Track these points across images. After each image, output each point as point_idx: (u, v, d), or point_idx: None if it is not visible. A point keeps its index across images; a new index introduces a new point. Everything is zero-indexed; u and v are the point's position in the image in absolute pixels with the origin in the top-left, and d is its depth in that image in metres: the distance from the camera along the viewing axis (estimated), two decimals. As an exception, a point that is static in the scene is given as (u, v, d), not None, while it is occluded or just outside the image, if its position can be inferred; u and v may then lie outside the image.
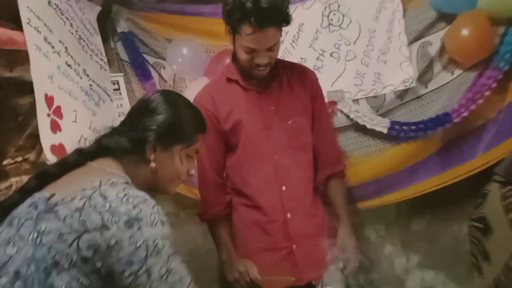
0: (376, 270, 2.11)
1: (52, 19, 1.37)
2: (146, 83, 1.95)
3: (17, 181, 2.05)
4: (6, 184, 1.97)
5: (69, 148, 1.32)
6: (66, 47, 1.43)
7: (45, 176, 0.89)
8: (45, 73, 1.30)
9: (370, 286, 2.11)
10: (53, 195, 0.82)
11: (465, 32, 1.68)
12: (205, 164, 1.49)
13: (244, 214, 1.50)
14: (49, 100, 1.30)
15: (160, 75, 1.98)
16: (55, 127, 1.31)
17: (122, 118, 1.83)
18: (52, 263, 0.75)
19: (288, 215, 1.45)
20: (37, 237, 0.77)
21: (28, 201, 0.84)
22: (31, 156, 2.12)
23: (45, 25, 1.32)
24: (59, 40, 1.40)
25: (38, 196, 0.84)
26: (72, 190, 0.81)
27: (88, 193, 0.79)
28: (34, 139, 2.07)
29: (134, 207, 0.79)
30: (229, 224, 1.55)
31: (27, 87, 1.74)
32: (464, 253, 2.01)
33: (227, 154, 1.53)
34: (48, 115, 1.29)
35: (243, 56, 1.37)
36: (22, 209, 0.83)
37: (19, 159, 2.06)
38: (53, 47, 1.35)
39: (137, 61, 1.94)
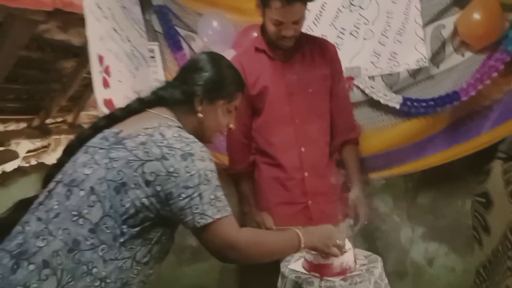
0: (382, 239, 2.26)
1: (102, -12, 1.54)
2: (177, 53, 2.10)
3: (55, 139, 2.25)
4: (47, 141, 2.17)
5: (116, 103, 1.51)
6: (113, 14, 1.60)
7: (112, 117, 1.07)
8: (97, 35, 1.46)
9: (376, 254, 2.25)
10: (121, 131, 0.99)
11: (477, 16, 1.80)
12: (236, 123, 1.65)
13: (266, 172, 1.67)
14: (100, 59, 1.47)
15: (190, 47, 2.13)
16: (105, 84, 1.48)
17: (156, 84, 2.01)
18: (121, 184, 0.92)
19: (306, 174, 1.62)
20: (109, 162, 0.94)
21: (99, 135, 1.01)
22: (69, 118, 2.32)
23: (97, -8, 1.49)
24: (108, 7, 1.56)
25: (108, 132, 1.01)
26: (136, 129, 0.98)
27: (149, 131, 0.96)
28: (73, 102, 2.26)
29: (187, 145, 0.95)
30: (251, 181, 1.71)
31: (72, 51, 1.93)
32: (466, 227, 2.14)
33: (253, 118, 1.68)
34: (100, 72, 1.46)
35: (271, 28, 1.52)
36: (96, 141, 1.00)
37: (59, 119, 2.26)
38: (103, 12, 1.51)
39: (169, 33, 2.09)
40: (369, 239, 2.24)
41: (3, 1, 1.13)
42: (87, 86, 2.22)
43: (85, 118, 2.45)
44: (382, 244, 2.26)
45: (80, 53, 1.95)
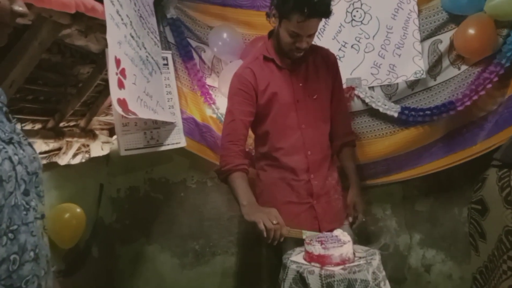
0: (380, 246, 2.31)
1: (122, -3, 1.65)
2: (188, 63, 2.22)
3: (67, 142, 2.34)
4: (59, 143, 2.26)
5: (130, 104, 1.60)
6: (131, 21, 1.70)
7: None
8: (116, 39, 1.56)
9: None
10: None
11: (472, 32, 1.91)
12: (237, 126, 1.65)
13: (272, 173, 1.73)
14: (117, 62, 1.56)
15: (200, 57, 2.25)
16: (120, 85, 1.56)
17: (168, 90, 2.12)
18: None
19: (312, 176, 1.69)
20: None
21: None
22: (82, 123, 2.42)
23: (118, 0, 1.60)
24: (126, 15, 1.67)
25: None
26: None
27: None
28: (87, 107, 2.36)
29: None
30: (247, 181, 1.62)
31: (89, 57, 2.04)
32: (463, 234, 2.20)
33: (254, 126, 1.74)
34: (116, 74, 1.55)
35: (287, 39, 1.59)
36: None
37: (72, 123, 2.35)
38: (122, 19, 1.62)
39: (181, 44, 2.21)
40: (367, 245, 2.29)
41: (30, 0, 1.20)
42: (101, 92, 2.32)
43: (97, 123, 2.55)
44: (381, 251, 2.30)
45: (97, 60, 2.06)
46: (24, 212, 0.73)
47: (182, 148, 2.25)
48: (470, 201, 2.13)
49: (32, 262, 0.73)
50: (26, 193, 0.75)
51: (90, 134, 2.47)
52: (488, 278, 2.00)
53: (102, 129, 2.67)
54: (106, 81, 2.19)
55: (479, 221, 2.05)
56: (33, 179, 0.78)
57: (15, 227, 0.70)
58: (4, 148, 0.70)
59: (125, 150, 1.99)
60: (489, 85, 1.92)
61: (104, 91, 2.30)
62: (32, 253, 0.73)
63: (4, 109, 0.79)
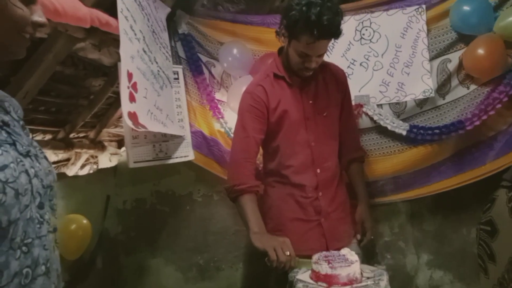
0: (387, 265, 2.27)
1: (136, 12, 1.68)
2: (198, 77, 2.24)
3: (76, 153, 2.36)
4: (69, 154, 2.28)
5: (140, 117, 1.62)
6: (144, 36, 1.74)
7: None
8: (129, 53, 1.59)
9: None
10: None
11: (481, 52, 1.91)
12: (251, 143, 1.65)
13: (281, 189, 1.71)
14: (129, 75, 1.59)
15: (210, 72, 2.27)
16: (131, 98, 1.59)
17: (178, 103, 2.14)
18: None
19: (320, 194, 1.68)
20: None
21: None
22: (91, 134, 2.44)
23: (132, 16, 1.63)
24: (140, 30, 1.70)
25: None
26: None
27: None
28: (97, 119, 2.39)
29: None
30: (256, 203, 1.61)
31: (102, 70, 2.07)
32: (472, 255, 2.16)
33: (264, 143, 1.73)
34: (128, 87, 1.57)
35: (296, 59, 1.59)
36: None
37: (82, 134, 2.37)
38: (135, 34, 1.65)
39: (192, 59, 2.24)
40: (374, 265, 2.26)
41: (47, 15, 1.24)
42: (112, 104, 2.35)
43: (106, 135, 2.57)
44: (387, 270, 2.27)
45: (108, 73, 2.09)
46: (38, 226, 0.73)
47: (189, 161, 2.25)
48: (479, 222, 2.12)
49: (44, 276, 0.73)
50: (40, 206, 0.75)
51: (99, 145, 2.48)
52: (498, 302, 1.96)
53: (111, 141, 2.69)
54: (117, 93, 2.22)
55: (488, 242, 2.02)
56: (48, 192, 0.79)
57: (29, 240, 0.70)
58: (21, 161, 0.71)
59: (134, 162, 2.00)
60: (499, 105, 1.91)
61: (115, 103, 2.33)
62: (43, 267, 0.73)
63: (21, 122, 0.81)
